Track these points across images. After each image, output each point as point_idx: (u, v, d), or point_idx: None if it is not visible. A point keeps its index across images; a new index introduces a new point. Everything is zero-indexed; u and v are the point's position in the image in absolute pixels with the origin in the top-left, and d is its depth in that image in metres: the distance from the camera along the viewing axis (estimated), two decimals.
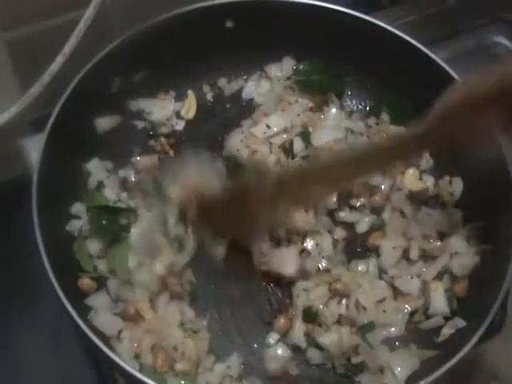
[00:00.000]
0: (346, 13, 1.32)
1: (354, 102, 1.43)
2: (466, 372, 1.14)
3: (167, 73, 1.33)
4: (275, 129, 1.33)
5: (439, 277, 1.19)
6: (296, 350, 1.15)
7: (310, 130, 1.35)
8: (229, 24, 1.34)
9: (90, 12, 1.23)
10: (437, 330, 1.16)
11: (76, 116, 1.20)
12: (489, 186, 1.21)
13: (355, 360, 1.12)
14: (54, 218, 1.14)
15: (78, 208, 1.21)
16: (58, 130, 1.16)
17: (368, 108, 1.42)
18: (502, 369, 1.20)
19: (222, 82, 1.42)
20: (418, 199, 1.29)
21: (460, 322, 1.13)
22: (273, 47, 1.37)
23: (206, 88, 1.41)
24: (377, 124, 1.37)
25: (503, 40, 1.66)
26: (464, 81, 0.95)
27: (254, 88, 1.41)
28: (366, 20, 1.32)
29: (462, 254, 1.20)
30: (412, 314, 1.18)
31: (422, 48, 1.30)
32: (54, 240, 1.08)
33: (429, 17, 1.63)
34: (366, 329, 1.14)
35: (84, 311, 1.08)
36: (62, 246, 1.14)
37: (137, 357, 1.08)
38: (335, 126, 1.36)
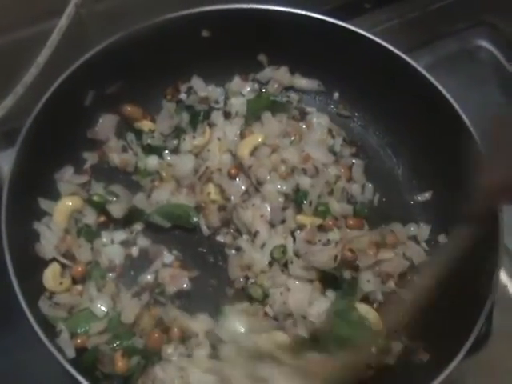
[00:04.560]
0: (323, 20, 1.29)
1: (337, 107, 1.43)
2: None
3: (142, 84, 1.31)
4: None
5: None
6: None
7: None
8: (205, 33, 1.32)
9: (63, 22, 1.21)
10: None
11: (48, 130, 1.17)
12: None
13: None
14: (25, 234, 1.13)
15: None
16: (29, 144, 1.14)
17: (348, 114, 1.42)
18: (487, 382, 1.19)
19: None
20: None
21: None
22: (250, 56, 1.36)
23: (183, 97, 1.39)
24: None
25: (486, 44, 1.64)
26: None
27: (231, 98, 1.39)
28: (344, 27, 1.29)
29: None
30: None
31: (402, 55, 1.28)
32: (23, 258, 1.06)
33: (410, 21, 1.61)
34: None
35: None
36: (32, 264, 1.12)
37: None
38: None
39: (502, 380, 1.20)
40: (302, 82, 1.41)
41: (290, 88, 1.41)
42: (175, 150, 1.32)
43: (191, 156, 1.30)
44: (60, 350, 1.00)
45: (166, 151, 1.32)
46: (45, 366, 1.13)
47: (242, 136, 1.30)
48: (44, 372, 1.16)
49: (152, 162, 1.30)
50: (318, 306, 1.17)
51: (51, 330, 1.06)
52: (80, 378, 0.95)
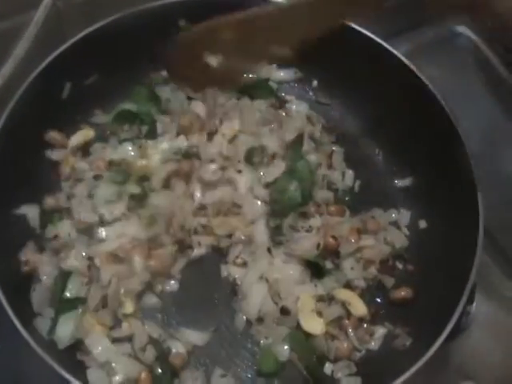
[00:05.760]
0: None
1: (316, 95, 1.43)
2: (434, 372, 1.12)
3: (120, 75, 1.30)
4: None
5: None
6: None
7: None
8: (182, 23, 1.31)
9: (40, 14, 1.21)
10: None
11: (25, 122, 1.16)
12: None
13: None
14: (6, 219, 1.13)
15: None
16: (6, 137, 1.12)
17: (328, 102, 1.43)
18: (470, 367, 1.19)
19: None
20: None
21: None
22: None
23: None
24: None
25: (465, 30, 1.64)
26: None
27: None
28: None
29: None
30: None
31: (381, 42, 1.29)
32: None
33: (389, 8, 1.60)
34: None
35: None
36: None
37: None
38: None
39: (484, 362, 1.21)
40: (280, 74, 1.41)
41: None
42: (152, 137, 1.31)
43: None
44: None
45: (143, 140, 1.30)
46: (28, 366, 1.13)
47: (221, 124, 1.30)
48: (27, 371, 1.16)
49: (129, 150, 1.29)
50: (306, 288, 1.18)
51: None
52: (69, 376, 0.95)
